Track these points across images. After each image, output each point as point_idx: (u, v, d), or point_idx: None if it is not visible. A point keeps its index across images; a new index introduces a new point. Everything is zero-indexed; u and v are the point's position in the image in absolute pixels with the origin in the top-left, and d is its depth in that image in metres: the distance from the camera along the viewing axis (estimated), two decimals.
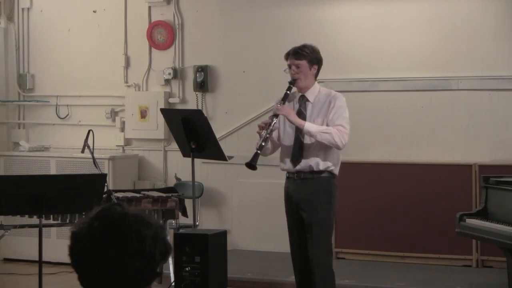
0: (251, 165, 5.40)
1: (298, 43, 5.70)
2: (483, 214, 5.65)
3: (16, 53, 9.13)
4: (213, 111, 8.40)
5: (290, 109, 5.45)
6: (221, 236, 6.04)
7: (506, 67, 7.44)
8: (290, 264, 5.63)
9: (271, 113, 5.57)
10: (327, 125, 5.39)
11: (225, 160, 6.60)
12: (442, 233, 7.16)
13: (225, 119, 8.35)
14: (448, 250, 7.25)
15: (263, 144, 5.37)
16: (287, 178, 5.58)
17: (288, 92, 5.48)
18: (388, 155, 7.76)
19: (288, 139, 5.52)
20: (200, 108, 8.28)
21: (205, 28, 8.46)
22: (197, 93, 8.44)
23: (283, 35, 8.06)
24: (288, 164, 5.51)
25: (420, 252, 7.40)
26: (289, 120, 5.44)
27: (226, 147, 7.15)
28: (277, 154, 5.77)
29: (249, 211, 8.24)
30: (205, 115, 6.94)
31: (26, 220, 6.25)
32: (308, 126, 5.36)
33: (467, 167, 7.26)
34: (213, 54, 8.42)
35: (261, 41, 8.23)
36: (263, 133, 5.38)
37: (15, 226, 6.42)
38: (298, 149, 5.45)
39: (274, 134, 5.54)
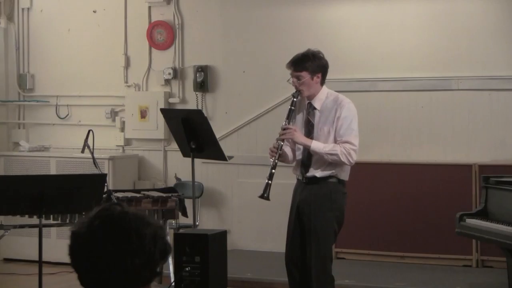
0: (264, 197, 5.29)
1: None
2: (483, 214, 5.65)
3: (16, 53, 9.13)
4: (213, 111, 8.40)
5: (294, 130, 5.30)
6: (221, 236, 6.04)
7: (506, 67, 7.44)
8: None
9: (278, 133, 5.39)
10: (335, 138, 5.27)
11: (225, 160, 6.60)
12: (442, 233, 7.16)
13: (225, 119, 8.35)
14: (448, 250, 7.25)
15: (273, 171, 5.28)
16: (297, 179, 5.51)
17: (292, 107, 5.33)
18: (388, 155, 7.76)
19: (301, 149, 5.42)
20: (200, 108, 8.28)
21: (205, 28, 8.46)
22: (197, 93, 8.44)
23: (283, 35, 8.06)
24: (298, 171, 5.45)
25: (420, 252, 7.40)
26: (295, 142, 5.34)
27: (226, 147, 7.14)
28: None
29: (249, 211, 8.23)
30: (205, 115, 6.94)
31: (26, 220, 6.25)
32: (315, 146, 5.23)
33: (467, 167, 7.26)
34: (213, 54, 8.42)
35: (261, 41, 8.23)
36: (272, 160, 5.28)
37: (15, 226, 6.41)
38: (307, 158, 5.37)
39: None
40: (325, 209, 5.32)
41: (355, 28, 7.90)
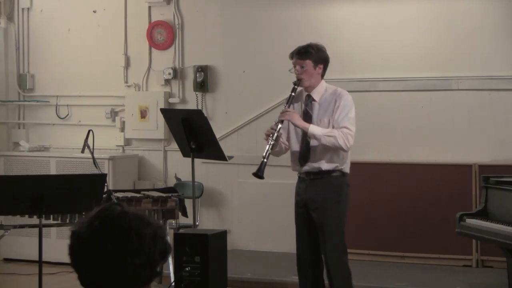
0: (258, 175, 5.34)
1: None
2: (483, 214, 5.65)
3: (16, 53, 9.13)
4: (213, 111, 8.40)
5: (293, 113, 5.40)
6: (221, 236, 6.04)
7: (506, 67, 7.44)
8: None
9: (277, 116, 5.48)
10: (333, 126, 5.35)
11: (225, 160, 6.60)
12: (442, 233, 7.16)
13: (225, 119, 8.35)
14: (448, 250, 7.25)
15: (270, 151, 5.33)
16: (298, 177, 5.56)
17: (292, 94, 5.42)
18: (388, 155, 7.76)
19: (297, 140, 5.48)
20: (200, 108, 8.28)
21: (205, 28, 8.46)
22: (197, 93, 8.44)
23: (283, 35, 8.06)
24: (297, 165, 5.49)
25: (420, 252, 7.40)
26: (293, 124, 5.41)
27: (226, 147, 7.14)
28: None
29: (249, 211, 8.24)
30: (205, 115, 6.94)
31: (26, 220, 6.25)
32: (313, 129, 5.32)
33: (467, 167, 7.26)
34: (213, 54, 8.42)
35: (261, 41, 8.23)
36: (269, 140, 5.34)
37: (15, 226, 6.41)
38: (305, 150, 5.43)
39: (284, 134, 5.51)
40: (334, 202, 5.39)
41: (355, 28, 7.90)
